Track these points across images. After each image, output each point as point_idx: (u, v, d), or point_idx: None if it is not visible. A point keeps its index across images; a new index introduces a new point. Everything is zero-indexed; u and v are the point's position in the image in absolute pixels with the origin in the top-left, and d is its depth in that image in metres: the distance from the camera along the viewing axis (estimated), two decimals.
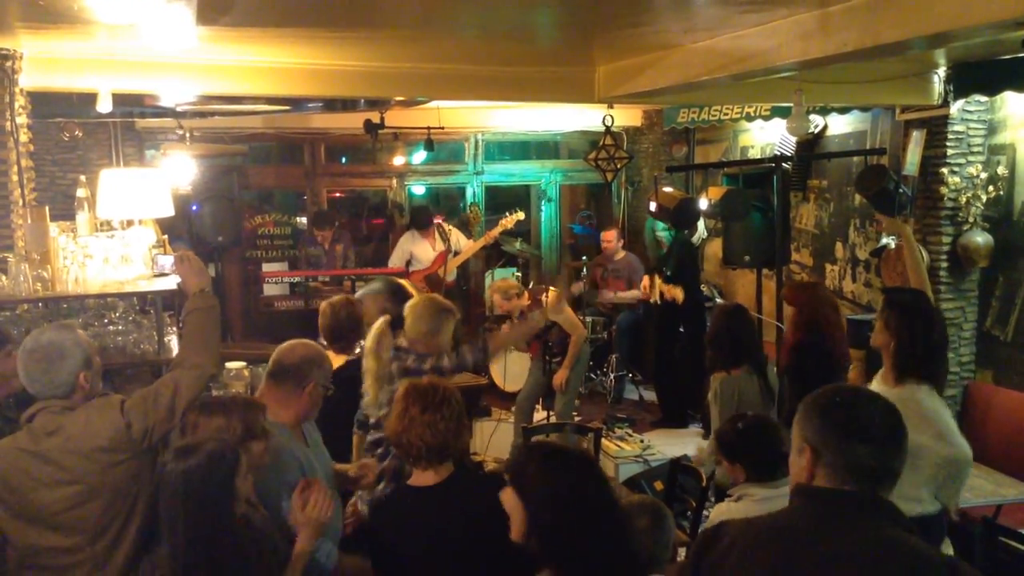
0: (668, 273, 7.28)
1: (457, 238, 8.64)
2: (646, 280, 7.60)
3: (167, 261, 4.41)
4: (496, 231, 8.38)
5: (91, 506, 2.77)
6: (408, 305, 4.01)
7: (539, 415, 6.89)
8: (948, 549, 4.47)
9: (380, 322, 3.90)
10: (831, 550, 1.79)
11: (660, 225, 8.24)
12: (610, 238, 8.50)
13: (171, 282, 4.36)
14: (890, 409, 1.92)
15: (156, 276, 4.51)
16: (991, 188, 5.70)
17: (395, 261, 8.62)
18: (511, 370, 7.74)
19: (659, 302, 7.29)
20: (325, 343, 4.42)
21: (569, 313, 6.45)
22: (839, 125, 7.03)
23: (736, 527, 1.97)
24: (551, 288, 6.71)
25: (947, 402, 5.85)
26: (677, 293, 7.02)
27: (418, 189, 10.03)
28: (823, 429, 1.90)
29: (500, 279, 7.00)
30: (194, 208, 8.09)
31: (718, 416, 4.44)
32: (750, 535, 1.92)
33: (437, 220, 8.69)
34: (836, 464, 1.87)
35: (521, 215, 8.54)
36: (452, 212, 10.66)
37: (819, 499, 1.89)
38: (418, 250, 8.58)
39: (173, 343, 4.49)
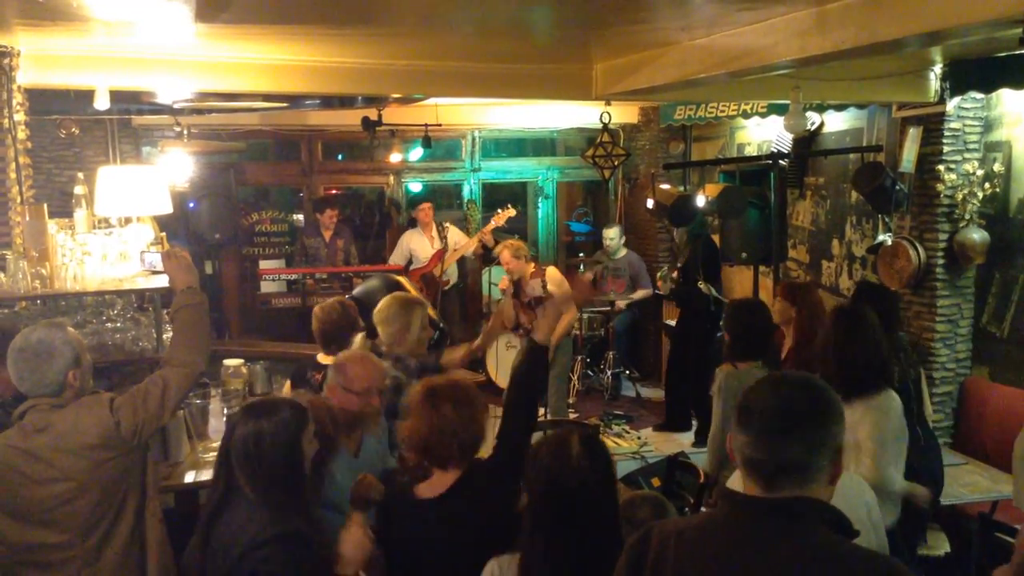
0: (678, 266, 7.30)
1: (455, 236, 8.64)
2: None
3: (155, 259, 4.41)
4: (489, 228, 8.39)
5: (81, 503, 2.79)
6: (374, 313, 4.02)
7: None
8: (944, 545, 4.50)
9: (359, 339, 3.94)
10: (758, 565, 1.71)
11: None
12: (612, 235, 8.55)
13: (167, 279, 4.36)
14: (792, 394, 1.79)
15: (152, 273, 4.51)
16: (987, 185, 5.71)
17: (396, 259, 8.63)
18: (505, 366, 7.75)
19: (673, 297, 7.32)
20: (320, 346, 4.43)
21: (567, 290, 6.52)
22: (836, 122, 7.04)
23: (660, 536, 1.87)
24: (553, 266, 6.78)
25: (944, 398, 5.92)
26: (660, 286, 7.03)
27: (415, 186, 10.03)
28: (732, 419, 1.85)
29: (513, 239, 6.99)
30: (191, 205, 8.09)
31: (719, 412, 4.25)
32: (680, 549, 1.82)
33: (425, 207, 8.66)
34: (736, 455, 1.80)
35: (513, 212, 8.53)
36: (448, 209, 10.67)
37: (734, 505, 1.80)
38: (417, 247, 8.60)
39: (170, 340, 4.49)
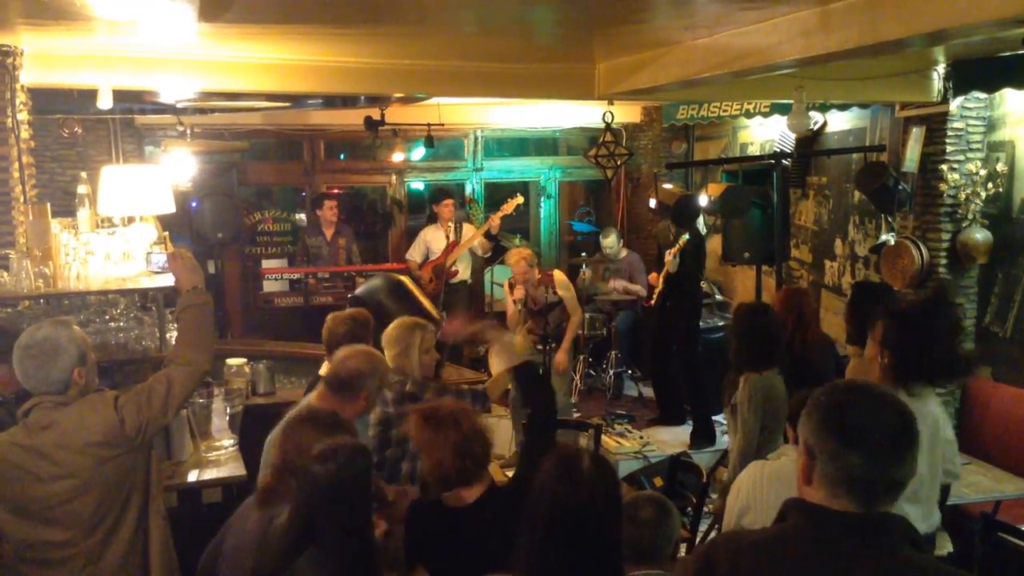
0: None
1: (468, 232, 8.62)
2: (654, 275, 7.57)
3: (161, 259, 4.42)
4: (497, 216, 8.32)
5: (84, 500, 2.79)
6: (382, 336, 4.06)
7: None
8: (947, 545, 4.49)
9: None
10: None
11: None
12: (610, 243, 8.52)
13: (172, 279, 4.35)
14: (896, 412, 1.77)
15: (158, 273, 4.51)
16: (990, 185, 5.71)
17: (413, 254, 8.63)
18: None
19: (656, 302, 7.26)
20: (326, 351, 4.43)
21: (574, 293, 6.57)
22: (839, 122, 7.04)
23: (730, 551, 1.85)
24: (557, 270, 6.81)
25: (947, 398, 5.91)
26: (669, 263, 6.90)
27: (417, 185, 10.02)
28: (817, 432, 1.79)
29: (520, 246, 7.02)
30: (194, 205, 8.09)
31: (752, 422, 4.12)
32: (758, 563, 1.79)
33: (448, 202, 8.62)
34: (829, 472, 1.76)
35: (521, 199, 8.48)
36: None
37: (818, 520, 1.77)
38: (433, 241, 8.58)
39: (174, 339, 4.49)
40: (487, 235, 8.37)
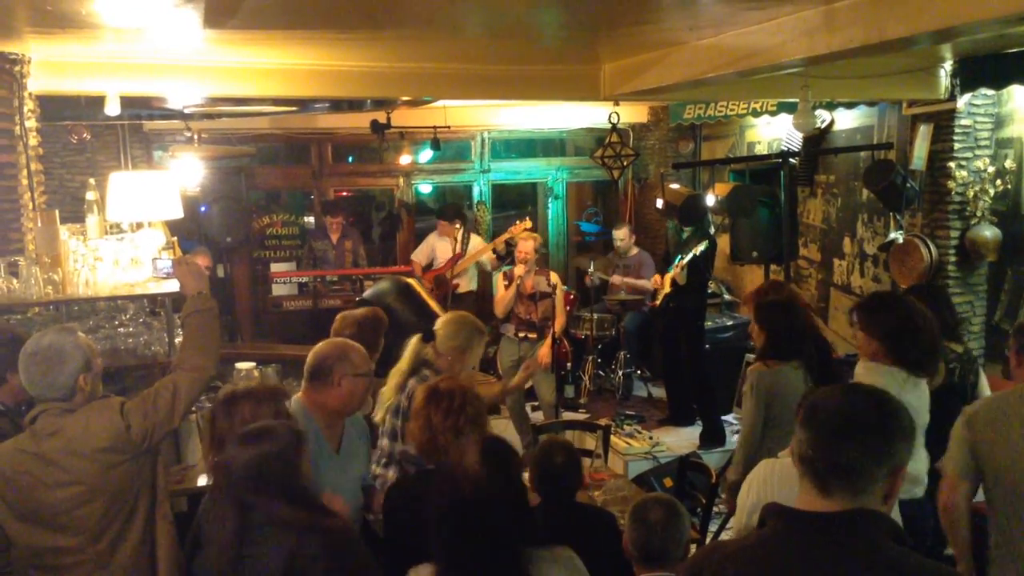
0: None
1: (475, 244, 8.62)
2: (657, 277, 7.55)
3: (166, 264, 4.43)
4: (503, 238, 8.33)
5: (92, 506, 2.80)
6: (443, 318, 4.08)
7: (536, 415, 6.96)
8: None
9: (415, 340, 3.97)
10: None
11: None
12: (623, 235, 8.51)
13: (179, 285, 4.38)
14: (857, 401, 1.78)
15: (163, 279, 4.53)
16: (999, 182, 5.69)
17: (419, 256, 8.65)
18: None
19: (660, 303, 7.26)
20: None
21: (562, 297, 6.82)
22: (846, 120, 7.02)
23: (713, 561, 1.85)
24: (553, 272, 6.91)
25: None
26: (677, 275, 6.89)
27: (425, 188, 10.02)
28: (796, 418, 1.85)
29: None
30: (202, 209, 8.13)
31: (751, 413, 4.15)
32: (740, 571, 1.79)
33: (455, 224, 8.62)
34: (795, 455, 1.81)
35: (528, 223, 8.50)
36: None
37: (792, 522, 1.78)
38: (438, 248, 8.59)
39: (180, 345, 4.51)
40: (496, 252, 8.39)
